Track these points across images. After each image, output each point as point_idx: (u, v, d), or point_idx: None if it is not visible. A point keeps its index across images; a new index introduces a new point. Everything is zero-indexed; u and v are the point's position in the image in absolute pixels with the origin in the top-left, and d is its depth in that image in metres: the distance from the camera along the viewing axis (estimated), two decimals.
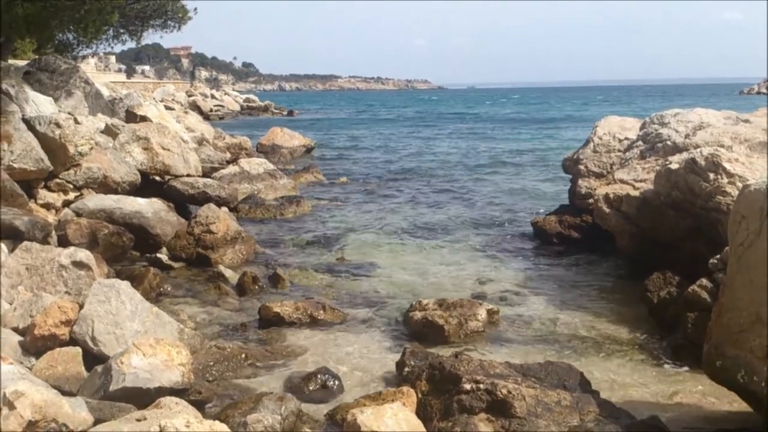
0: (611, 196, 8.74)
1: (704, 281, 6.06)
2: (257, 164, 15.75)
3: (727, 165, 7.13)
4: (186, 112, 25.49)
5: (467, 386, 4.64)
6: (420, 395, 4.89)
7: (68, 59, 18.00)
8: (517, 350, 6.39)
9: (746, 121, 8.95)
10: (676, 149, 8.72)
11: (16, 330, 5.53)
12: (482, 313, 6.85)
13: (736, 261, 4.54)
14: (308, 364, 5.95)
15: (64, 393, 4.56)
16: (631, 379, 5.72)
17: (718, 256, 6.06)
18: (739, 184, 6.55)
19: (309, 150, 23.71)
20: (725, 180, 7.07)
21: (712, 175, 7.19)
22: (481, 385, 4.61)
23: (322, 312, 7.10)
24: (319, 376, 5.52)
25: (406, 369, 5.46)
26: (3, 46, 17.20)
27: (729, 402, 5.05)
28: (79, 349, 5.23)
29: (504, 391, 4.50)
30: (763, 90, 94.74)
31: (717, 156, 7.24)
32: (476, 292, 8.14)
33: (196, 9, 21.93)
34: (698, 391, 5.40)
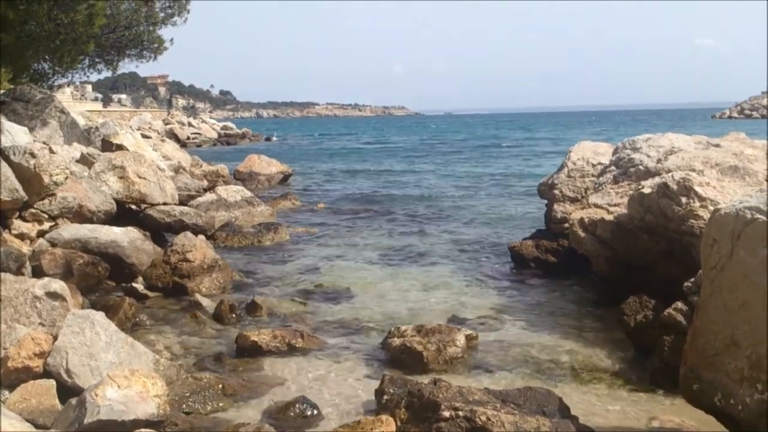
0: (586, 220, 8.83)
1: (679, 304, 6.11)
2: (234, 191, 15.70)
3: (698, 189, 7.23)
4: (163, 140, 25.50)
5: (446, 414, 4.63)
6: (399, 423, 4.87)
7: (44, 89, 17.93)
8: (496, 376, 6.39)
9: (717, 145, 9.09)
10: (649, 174, 8.84)
11: None
12: (461, 339, 6.85)
13: (709, 284, 4.59)
14: (286, 393, 5.90)
15: (38, 426, 4.50)
16: (610, 404, 5.73)
17: (692, 280, 6.12)
18: (711, 208, 6.64)
19: (286, 177, 23.72)
20: (697, 204, 7.16)
21: (684, 199, 7.28)
22: (461, 413, 4.60)
23: (300, 340, 7.05)
24: (297, 405, 5.48)
25: (385, 397, 5.44)
26: None
27: (707, 425, 5.07)
28: (53, 382, 5.15)
29: (483, 418, 4.50)
30: (735, 114, 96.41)
31: (689, 180, 7.34)
32: (454, 318, 8.15)
33: (172, 39, 22.00)
34: (676, 414, 5.42)
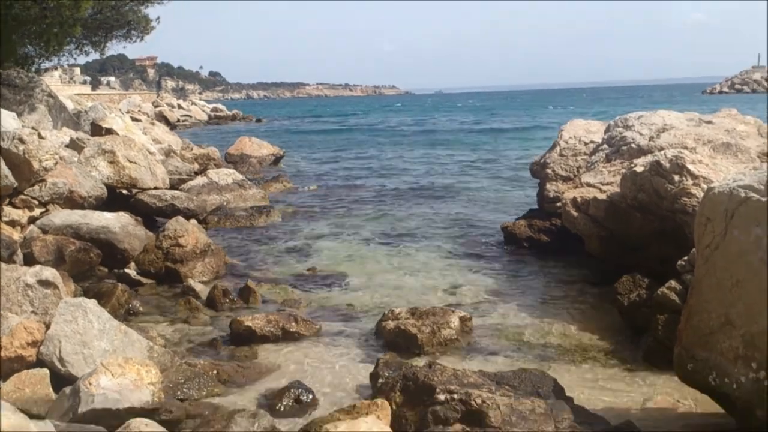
0: (578, 199, 8.81)
1: (673, 283, 6.12)
2: (226, 174, 15.63)
3: (691, 167, 7.22)
4: (153, 123, 25.31)
5: (441, 397, 4.63)
6: (395, 407, 4.86)
7: (31, 73, 17.78)
8: (491, 357, 6.40)
9: (709, 122, 9.08)
10: (641, 152, 8.82)
11: None
12: (455, 321, 6.85)
13: (703, 263, 4.59)
14: (281, 379, 5.89)
15: (32, 416, 4.46)
16: (605, 384, 5.75)
17: (686, 258, 6.13)
18: (704, 186, 6.64)
19: (278, 159, 23.61)
20: (690, 182, 7.15)
21: (676, 177, 7.27)
22: (455, 395, 4.59)
23: (294, 324, 7.03)
24: (292, 390, 5.47)
25: (380, 380, 5.43)
26: None
27: (701, 404, 5.10)
28: (46, 371, 5.12)
29: (478, 400, 4.49)
30: (725, 89, 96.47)
31: (681, 158, 7.32)
32: (448, 300, 8.15)
33: (158, 18, 21.77)
34: (671, 394, 5.45)
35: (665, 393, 5.48)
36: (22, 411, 4.33)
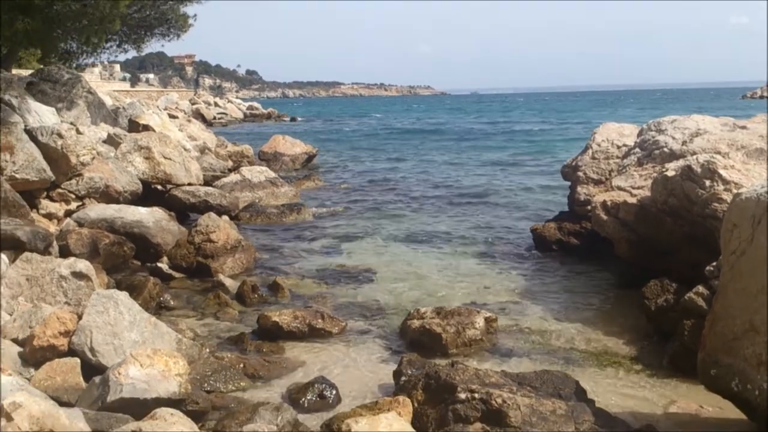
0: (609, 203, 8.77)
1: (701, 288, 6.08)
2: (258, 172, 15.80)
3: (723, 172, 7.15)
4: (189, 120, 25.65)
5: (462, 395, 4.67)
6: (416, 404, 4.91)
7: (72, 69, 18.12)
8: (514, 358, 6.41)
9: (743, 127, 8.96)
10: (673, 156, 8.74)
11: (15, 341, 5.57)
12: (480, 322, 6.86)
13: (729, 269, 4.57)
14: (306, 374, 5.98)
15: (63, 404, 4.59)
16: (628, 388, 5.74)
17: (714, 264, 6.08)
18: (735, 191, 6.57)
19: (311, 157, 23.76)
20: (721, 187, 7.09)
21: (708, 182, 7.21)
22: (476, 395, 4.64)
23: (320, 321, 7.11)
24: (316, 385, 5.54)
25: (403, 378, 5.48)
26: (6, 58, 17.32)
27: (724, 410, 5.06)
28: (77, 360, 5.26)
29: (499, 400, 4.53)
30: (766, 94, 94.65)
31: (713, 163, 7.26)
32: (474, 300, 8.17)
33: (195, 15, 22.02)
34: (694, 399, 5.41)
35: (688, 398, 5.45)
36: (53, 398, 4.47)
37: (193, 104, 58.03)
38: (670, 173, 7.86)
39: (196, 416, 4.78)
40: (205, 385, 5.55)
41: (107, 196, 10.63)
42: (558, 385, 4.98)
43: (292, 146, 23.53)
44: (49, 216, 9.70)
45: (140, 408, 4.54)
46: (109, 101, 22.54)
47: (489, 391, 4.61)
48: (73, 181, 10.16)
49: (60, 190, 10.00)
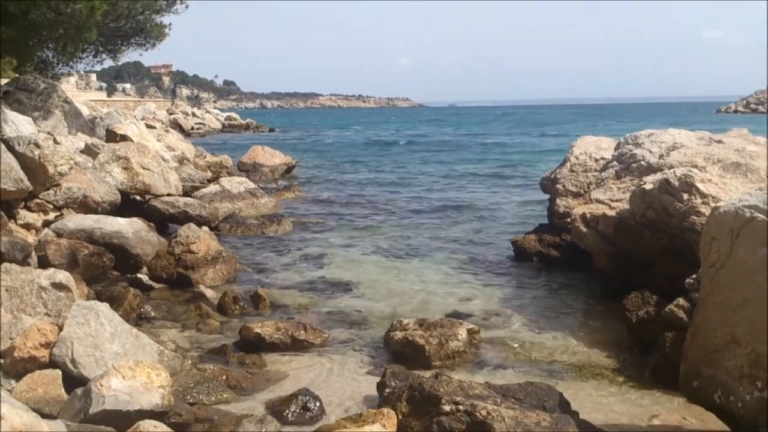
0: (588, 215, 8.85)
1: (681, 301, 6.15)
2: (238, 183, 15.75)
3: (700, 185, 7.25)
4: (167, 131, 25.50)
5: (447, 408, 4.68)
6: (400, 417, 4.91)
7: (48, 78, 17.97)
8: (497, 370, 6.43)
9: (719, 141, 9.10)
10: (651, 169, 8.85)
11: None
12: (463, 333, 6.89)
13: (708, 282, 4.63)
14: (289, 386, 5.95)
15: (44, 416, 4.54)
16: (611, 400, 5.77)
17: (694, 276, 6.16)
18: (713, 204, 6.66)
19: (290, 168, 23.73)
20: (699, 200, 7.18)
21: (685, 196, 7.30)
22: (461, 407, 4.65)
23: (303, 332, 7.10)
24: (299, 397, 5.52)
25: (387, 390, 5.47)
26: None
27: (707, 422, 5.11)
28: (59, 372, 5.21)
29: (483, 412, 4.55)
30: (740, 108, 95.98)
31: (690, 176, 7.36)
32: (457, 312, 8.19)
33: (170, 24, 21.94)
34: (677, 411, 5.47)
35: (671, 410, 5.50)
36: (35, 410, 4.42)
37: (170, 114, 57.69)
38: (648, 186, 7.96)
39: (180, 428, 4.76)
40: (188, 397, 5.51)
41: (85, 206, 10.54)
42: (542, 397, 5.00)
43: (271, 157, 23.49)
44: (27, 226, 9.59)
45: (123, 420, 4.51)
46: (86, 111, 22.35)
47: (473, 403, 4.62)
48: (51, 192, 10.06)
49: (38, 201, 9.90)
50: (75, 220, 9.53)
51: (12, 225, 9.03)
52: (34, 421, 3.99)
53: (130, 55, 22.89)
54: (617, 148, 10.33)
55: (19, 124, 11.54)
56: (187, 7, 21.60)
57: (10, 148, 9.57)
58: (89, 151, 13.03)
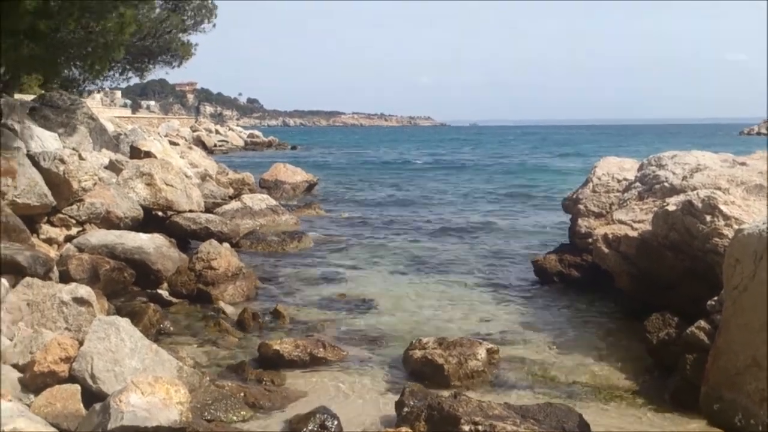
0: (610, 236, 8.79)
1: (702, 323, 6.07)
2: (259, 200, 15.86)
3: (723, 207, 7.18)
4: (190, 148, 25.72)
5: (466, 428, 4.66)
6: None
7: (74, 95, 18.23)
8: (516, 391, 6.39)
9: (743, 163, 9.03)
10: (674, 191, 8.80)
11: (16, 366, 5.54)
12: (482, 353, 6.84)
13: (731, 304, 4.59)
14: (307, 404, 5.94)
15: (63, 431, 4.57)
16: (631, 422, 5.70)
17: (716, 298, 6.08)
18: (736, 227, 6.60)
19: (311, 186, 23.83)
20: (722, 222, 7.11)
21: (708, 217, 7.24)
22: (480, 427, 4.62)
23: (321, 350, 7.09)
24: (317, 415, 5.50)
25: (405, 409, 5.45)
26: (8, 83, 17.39)
27: None
28: (78, 387, 5.23)
29: None
30: (763, 131, 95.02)
31: (714, 198, 7.30)
32: (476, 331, 8.15)
33: (196, 44, 22.15)
34: None
35: None
36: (53, 425, 4.46)
37: (194, 131, 58.20)
38: (671, 208, 7.90)
39: None
40: (206, 413, 5.52)
41: (108, 221, 10.65)
42: (561, 418, 4.96)
43: (293, 174, 23.61)
44: (50, 241, 9.70)
45: None
46: (110, 127, 22.61)
47: (492, 424, 4.59)
48: (74, 207, 10.18)
49: (61, 215, 10.02)
50: (97, 236, 9.62)
51: (34, 239, 9.14)
52: None
53: (155, 73, 23.10)
54: (640, 169, 10.27)
55: (45, 140, 11.70)
56: (214, 26, 21.81)
57: (35, 164, 9.71)
58: (113, 167, 13.18)
